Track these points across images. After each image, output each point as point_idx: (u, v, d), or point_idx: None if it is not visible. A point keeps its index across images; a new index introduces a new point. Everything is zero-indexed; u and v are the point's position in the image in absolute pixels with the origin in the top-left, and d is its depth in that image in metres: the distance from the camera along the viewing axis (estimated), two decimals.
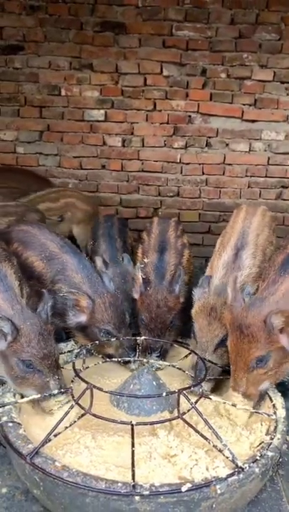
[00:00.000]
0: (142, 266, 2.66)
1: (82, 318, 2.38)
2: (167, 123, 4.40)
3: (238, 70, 4.23)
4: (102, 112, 4.37)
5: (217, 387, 2.23)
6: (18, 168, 4.44)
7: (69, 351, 2.45)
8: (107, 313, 2.36)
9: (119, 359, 2.37)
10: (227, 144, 4.44)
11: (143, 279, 2.55)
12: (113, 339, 2.36)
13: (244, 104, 4.32)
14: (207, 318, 2.22)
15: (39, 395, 1.89)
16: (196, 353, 2.17)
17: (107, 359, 2.38)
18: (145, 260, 2.71)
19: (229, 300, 2.02)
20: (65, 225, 3.82)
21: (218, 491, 1.54)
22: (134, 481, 1.51)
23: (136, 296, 2.56)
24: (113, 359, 2.38)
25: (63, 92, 4.34)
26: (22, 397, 1.97)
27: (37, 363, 1.89)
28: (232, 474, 1.58)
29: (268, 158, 4.46)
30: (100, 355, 2.41)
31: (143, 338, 2.41)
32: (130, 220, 4.58)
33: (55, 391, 1.89)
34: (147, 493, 1.48)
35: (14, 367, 1.91)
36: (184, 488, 1.50)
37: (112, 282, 2.50)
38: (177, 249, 2.80)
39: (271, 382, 1.99)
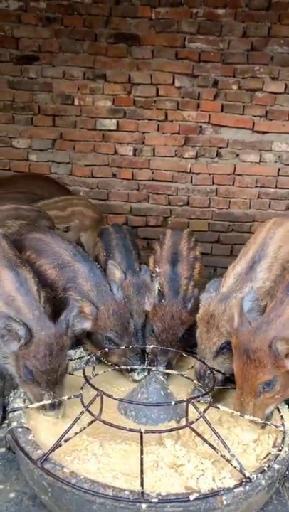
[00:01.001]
0: (157, 277, 2.67)
1: (87, 325, 2.39)
2: (178, 133, 4.44)
3: (250, 81, 4.27)
4: (114, 121, 4.43)
5: (217, 397, 2.22)
6: (41, 174, 4.49)
7: (78, 358, 2.47)
8: (109, 320, 2.37)
9: (129, 367, 2.38)
10: (237, 155, 4.46)
11: (159, 290, 2.56)
12: (122, 347, 2.36)
13: (255, 116, 4.35)
14: (206, 326, 2.21)
15: (49, 401, 1.92)
16: (203, 362, 2.17)
17: (117, 366, 2.39)
18: (157, 270, 2.72)
19: (235, 325, 1.99)
20: (72, 232, 3.86)
21: (224, 502, 1.53)
22: (142, 488, 1.52)
23: (148, 307, 2.56)
24: (122, 367, 2.38)
25: (76, 102, 4.41)
26: (31, 402, 1.99)
27: (37, 375, 1.91)
28: (239, 485, 1.59)
29: (278, 169, 4.47)
30: (110, 363, 2.43)
31: (152, 346, 2.42)
32: (140, 228, 4.64)
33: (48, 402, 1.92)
34: (156, 500, 1.49)
35: (21, 368, 1.96)
36: (192, 497, 1.51)
37: (120, 290, 2.51)
38: (189, 262, 2.78)
39: (276, 405, 1.98)
